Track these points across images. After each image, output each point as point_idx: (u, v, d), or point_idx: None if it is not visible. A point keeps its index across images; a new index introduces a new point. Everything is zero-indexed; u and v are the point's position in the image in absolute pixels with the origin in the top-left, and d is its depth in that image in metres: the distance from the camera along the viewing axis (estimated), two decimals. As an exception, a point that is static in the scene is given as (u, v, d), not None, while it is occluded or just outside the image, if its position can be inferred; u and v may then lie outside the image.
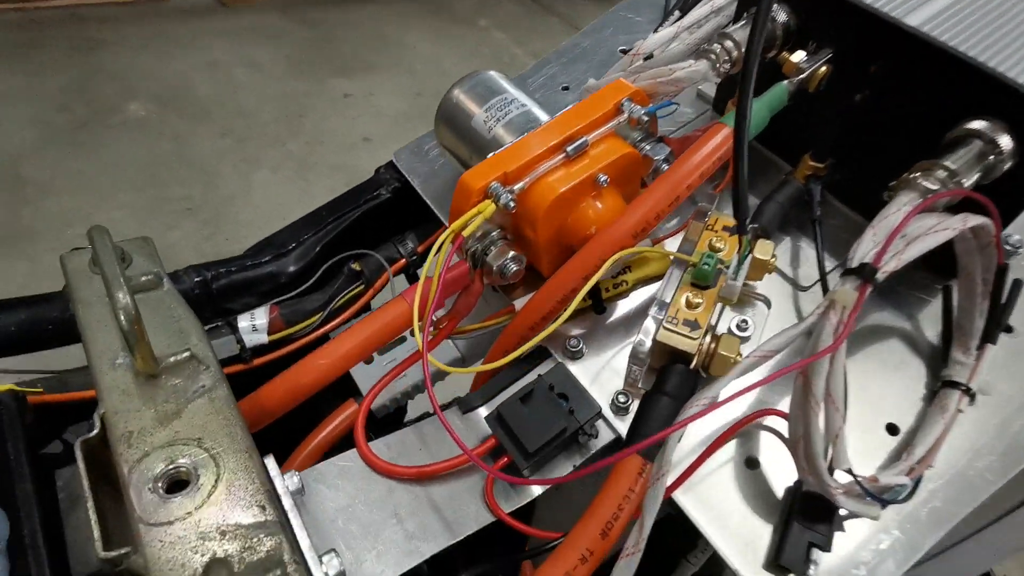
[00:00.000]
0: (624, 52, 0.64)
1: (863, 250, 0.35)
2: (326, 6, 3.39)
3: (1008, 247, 0.46)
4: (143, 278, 0.40)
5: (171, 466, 0.33)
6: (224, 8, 3.17)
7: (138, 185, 2.20)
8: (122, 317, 0.32)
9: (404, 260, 0.59)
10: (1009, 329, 0.44)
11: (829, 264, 0.48)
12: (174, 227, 2.07)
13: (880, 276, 0.34)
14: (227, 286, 0.52)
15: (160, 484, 0.33)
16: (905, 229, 0.35)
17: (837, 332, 0.34)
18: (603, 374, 0.46)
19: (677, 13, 0.60)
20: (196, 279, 0.50)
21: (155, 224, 2.07)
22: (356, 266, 0.58)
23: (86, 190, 2.14)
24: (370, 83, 2.88)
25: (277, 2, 3.30)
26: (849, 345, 0.45)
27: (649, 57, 0.48)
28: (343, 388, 0.52)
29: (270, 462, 0.36)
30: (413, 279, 0.62)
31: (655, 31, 0.58)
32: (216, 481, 0.33)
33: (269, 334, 0.53)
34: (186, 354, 0.37)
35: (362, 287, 0.58)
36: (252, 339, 0.51)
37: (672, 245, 0.48)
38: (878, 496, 0.36)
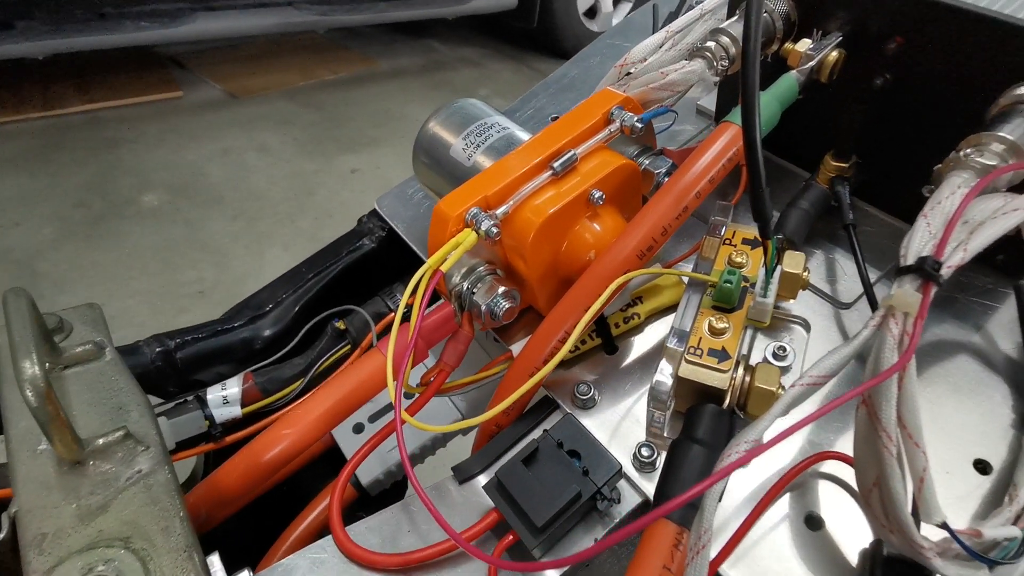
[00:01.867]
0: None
1: (918, 243, 0.28)
2: (331, 89, 3.53)
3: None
4: (79, 348, 0.35)
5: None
6: (235, 99, 3.32)
7: (151, 271, 2.22)
8: (29, 392, 0.27)
9: (392, 314, 0.54)
10: (1105, 331, 0.37)
11: (871, 276, 0.41)
12: (186, 310, 2.07)
13: (945, 272, 0.27)
14: (194, 355, 0.47)
15: (75, 599, 0.26)
16: (966, 214, 0.29)
17: (903, 345, 0.27)
18: (622, 425, 0.39)
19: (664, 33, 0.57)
20: (158, 349, 0.45)
21: (167, 308, 2.06)
22: (340, 325, 0.52)
23: (100, 281, 2.17)
24: (376, 157, 2.95)
25: (285, 90, 3.45)
26: (919, 364, 0.38)
27: (641, 61, 0.43)
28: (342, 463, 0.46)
29: (214, 561, 0.29)
30: (405, 335, 0.56)
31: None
32: (145, 590, 0.27)
33: (243, 406, 0.47)
34: (120, 433, 0.31)
35: (348, 347, 0.52)
36: (223, 413, 0.46)
37: (687, 269, 0.42)
38: (983, 555, 0.28)
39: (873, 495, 0.28)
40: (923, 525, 0.28)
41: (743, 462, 0.25)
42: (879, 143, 0.41)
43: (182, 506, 0.30)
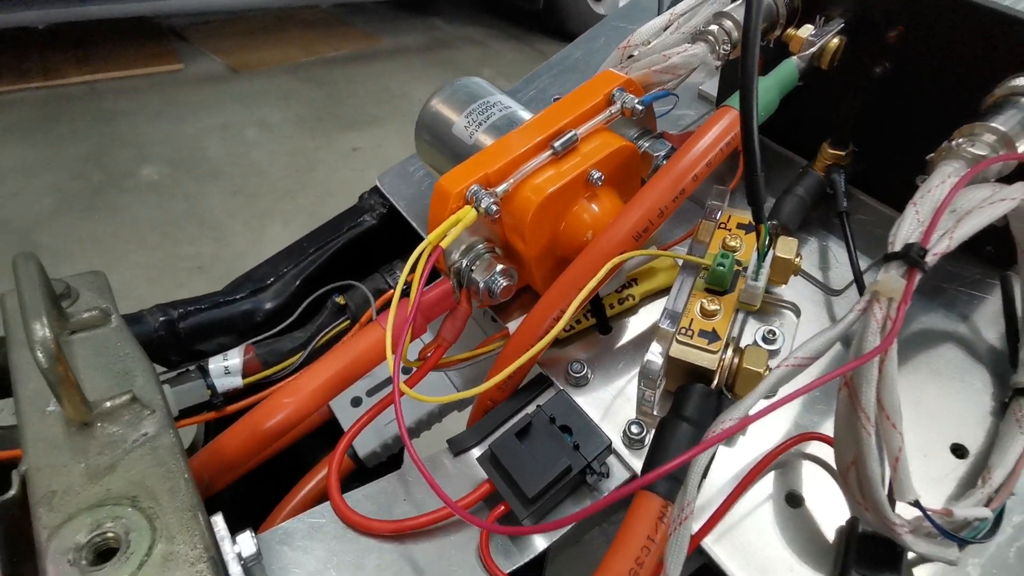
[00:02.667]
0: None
1: (906, 230, 0.29)
2: (333, 66, 3.50)
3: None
4: (86, 314, 0.36)
5: (97, 532, 0.28)
6: (236, 74, 3.28)
7: (149, 245, 2.22)
8: (40, 353, 0.28)
9: (390, 291, 0.55)
10: (1087, 322, 0.38)
11: (863, 264, 0.42)
12: (184, 285, 2.07)
13: (930, 259, 0.28)
14: (196, 326, 0.47)
15: (83, 554, 0.28)
16: (954, 203, 0.29)
17: (885, 330, 0.28)
18: (614, 403, 0.40)
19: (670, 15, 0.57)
20: (161, 319, 0.46)
21: (166, 282, 2.07)
22: (341, 300, 0.53)
23: (99, 253, 2.16)
24: (378, 136, 2.93)
25: (287, 65, 3.42)
26: (902, 352, 0.39)
27: (645, 44, 0.43)
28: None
29: (218, 521, 0.30)
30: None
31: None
32: (150, 548, 0.28)
33: (244, 377, 0.48)
34: (126, 397, 0.32)
35: (348, 322, 0.53)
36: (224, 383, 0.47)
37: (683, 252, 0.43)
38: (954, 534, 0.29)
39: (851, 474, 0.29)
40: (897, 504, 0.29)
41: (729, 433, 0.26)
42: (876, 132, 0.42)
43: (187, 469, 0.31)
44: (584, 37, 0.65)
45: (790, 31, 0.40)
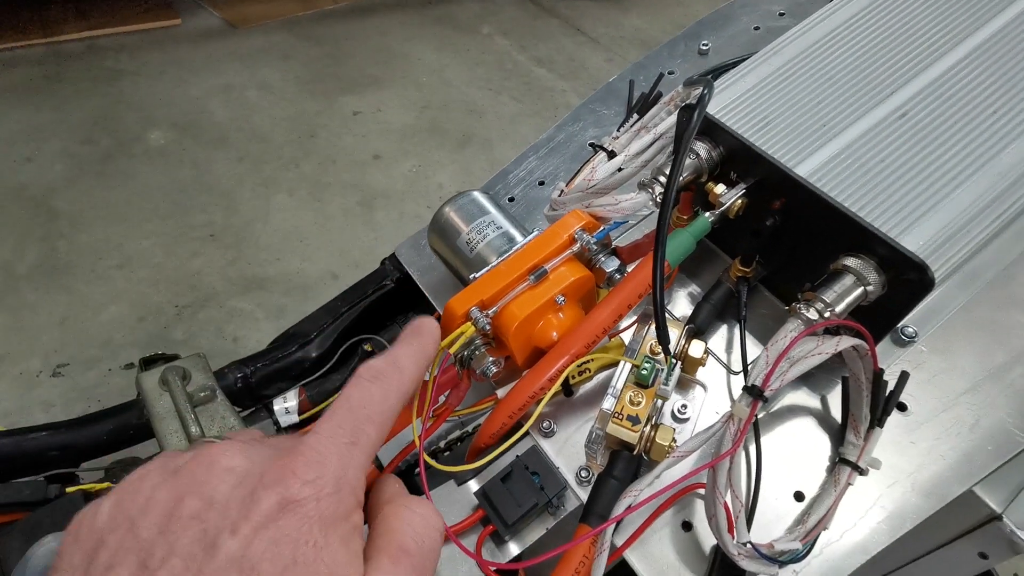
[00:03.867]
0: (592, 145, 0.74)
1: (757, 371, 0.45)
2: (331, 22, 3.47)
3: (904, 337, 0.55)
4: (201, 394, 0.51)
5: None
6: (234, 29, 3.28)
7: (162, 213, 2.32)
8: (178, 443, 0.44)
9: (408, 340, 0.70)
10: (903, 407, 0.54)
11: (757, 349, 0.58)
12: (199, 253, 2.19)
13: (768, 394, 0.44)
14: (263, 377, 0.63)
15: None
16: (790, 353, 0.45)
17: (735, 438, 0.44)
18: (571, 451, 0.57)
19: (635, 116, 0.70)
20: (238, 375, 0.61)
21: (181, 251, 2.19)
22: (368, 347, 0.69)
23: (115, 221, 2.27)
24: (378, 99, 2.96)
25: (284, 20, 3.40)
26: (770, 420, 0.55)
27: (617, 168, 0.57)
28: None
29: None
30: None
31: (617, 129, 0.68)
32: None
33: (299, 413, 0.64)
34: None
35: (373, 365, 0.69)
36: (285, 420, 0.63)
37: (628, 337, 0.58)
38: (775, 559, 0.46)
39: (712, 521, 0.46)
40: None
41: (620, 517, 0.43)
42: (771, 256, 0.56)
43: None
44: (565, 120, 0.78)
45: (709, 184, 0.54)
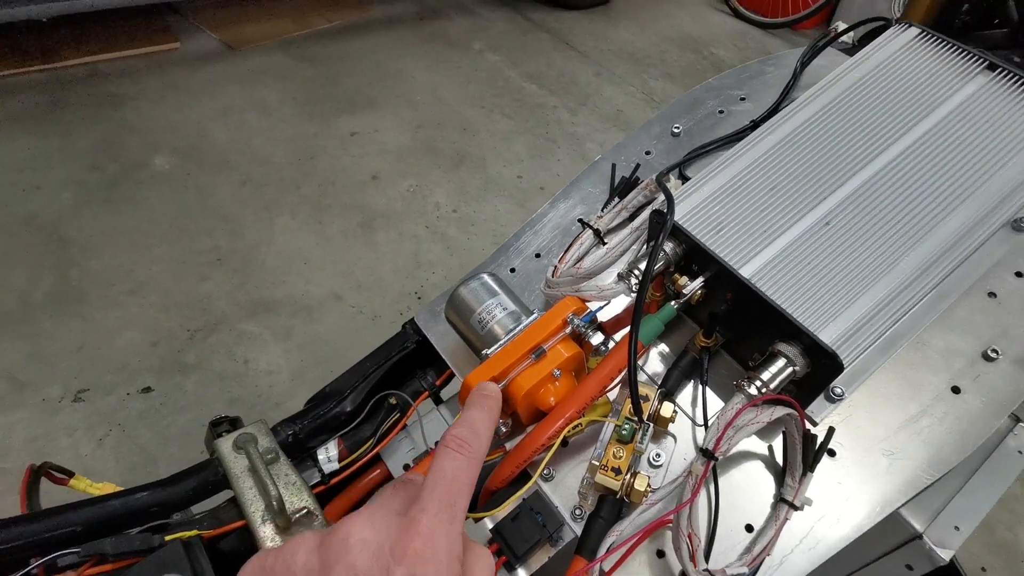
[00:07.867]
0: (581, 222, 0.86)
1: (709, 437, 0.58)
2: (326, 41, 3.56)
3: (834, 395, 0.68)
4: (268, 456, 0.63)
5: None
6: (231, 51, 3.36)
7: (170, 239, 2.42)
8: (274, 503, 0.56)
9: (426, 392, 0.83)
10: (832, 453, 0.67)
11: (718, 403, 0.71)
12: (207, 278, 2.29)
13: (719, 456, 0.57)
14: (309, 431, 0.75)
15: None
16: (735, 423, 0.58)
17: (693, 490, 0.57)
18: (567, 492, 0.70)
19: (616, 199, 0.83)
20: (289, 432, 0.73)
21: (189, 277, 2.28)
22: (393, 401, 0.81)
23: (124, 247, 2.36)
24: (374, 119, 3.06)
25: (280, 41, 3.48)
26: (729, 463, 0.68)
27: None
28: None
29: None
30: (438, 401, 0.85)
31: (602, 209, 0.80)
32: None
33: (339, 461, 0.76)
34: (305, 510, 0.60)
35: (398, 415, 0.81)
36: (328, 468, 0.75)
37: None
38: (727, 581, 0.59)
39: (678, 553, 0.59)
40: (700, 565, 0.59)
41: (604, 558, 0.56)
42: (728, 330, 0.69)
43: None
44: (556, 197, 0.90)
45: (676, 275, 0.67)
